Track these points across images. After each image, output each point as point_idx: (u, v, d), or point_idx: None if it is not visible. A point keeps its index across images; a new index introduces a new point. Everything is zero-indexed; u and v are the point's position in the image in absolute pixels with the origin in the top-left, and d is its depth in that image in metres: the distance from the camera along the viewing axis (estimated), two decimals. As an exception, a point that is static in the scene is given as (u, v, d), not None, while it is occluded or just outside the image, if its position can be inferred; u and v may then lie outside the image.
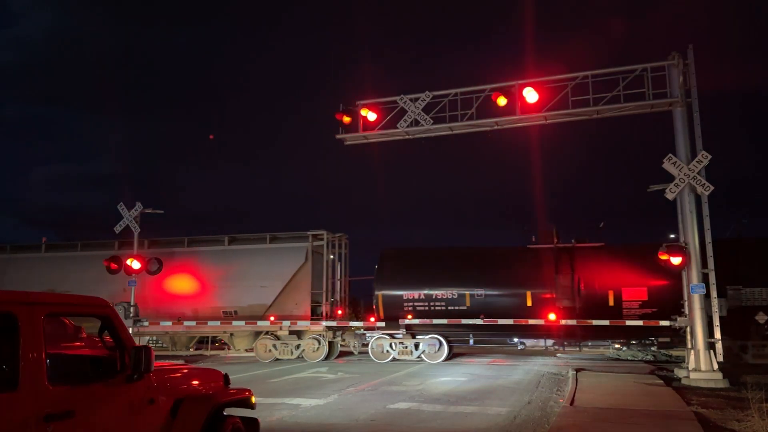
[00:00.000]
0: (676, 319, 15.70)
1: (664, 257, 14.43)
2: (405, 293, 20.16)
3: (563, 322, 18.63)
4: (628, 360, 20.58)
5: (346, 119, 17.20)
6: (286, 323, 20.45)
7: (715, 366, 13.70)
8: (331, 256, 21.65)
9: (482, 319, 19.21)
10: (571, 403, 10.42)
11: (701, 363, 13.77)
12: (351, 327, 21.16)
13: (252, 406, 6.12)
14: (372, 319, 20.19)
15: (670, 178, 14.33)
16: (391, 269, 20.92)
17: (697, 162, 14.06)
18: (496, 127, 16.60)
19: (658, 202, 14.87)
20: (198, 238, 23.04)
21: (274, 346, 20.97)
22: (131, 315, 20.34)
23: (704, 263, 14.21)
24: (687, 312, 14.51)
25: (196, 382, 5.65)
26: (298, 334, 20.89)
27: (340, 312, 21.20)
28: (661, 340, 19.31)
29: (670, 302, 16.94)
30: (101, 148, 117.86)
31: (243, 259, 21.49)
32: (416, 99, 16.61)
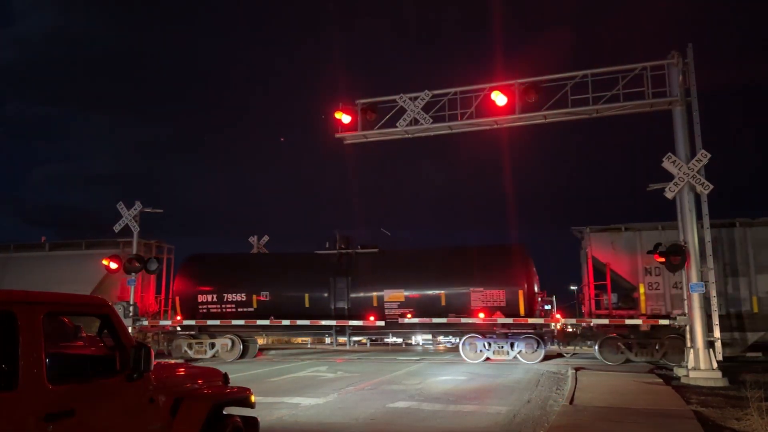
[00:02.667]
0: (675, 318, 15.74)
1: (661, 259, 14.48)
2: (200, 296, 21.57)
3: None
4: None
5: (346, 118, 17.19)
6: None
7: (715, 365, 13.71)
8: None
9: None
10: (571, 402, 10.43)
11: (700, 362, 13.78)
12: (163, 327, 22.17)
13: (252, 405, 6.11)
14: (371, 318, 20.23)
15: (669, 177, 14.35)
16: (189, 274, 22.39)
17: (696, 161, 14.07)
18: (495, 126, 16.61)
19: (657, 201, 14.92)
20: (23, 244, 23.98)
21: None
22: (131, 314, 20.40)
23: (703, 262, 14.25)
24: (686, 310, 14.53)
25: (195, 381, 5.64)
26: None
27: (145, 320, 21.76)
28: (447, 334, 21.78)
29: (426, 305, 19.83)
30: (101, 147, 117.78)
31: (60, 265, 22.24)
32: (416, 98, 16.60)
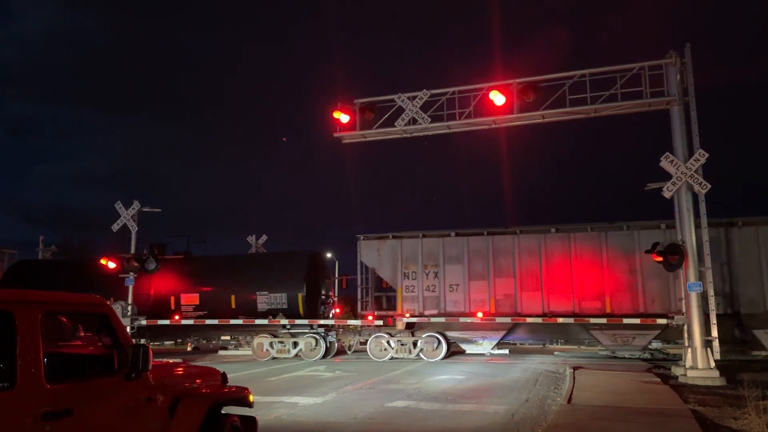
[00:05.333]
0: (673, 318, 15.75)
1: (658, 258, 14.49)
2: None
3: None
4: (625, 358, 20.66)
5: (344, 118, 17.18)
6: None
7: (712, 364, 13.71)
8: None
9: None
10: (569, 401, 10.44)
11: (698, 361, 13.78)
12: None
13: (250, 405, 6.12)
14: (370, 318, 20.28)
15: (667, 176, 14.36)
16: (11, 280, 23.11)
17: (694, 160, 14.08)
18: (494, 126, 16.61)
19: (655, 201, 14.94)
20: None
21: None
22: (129, 314, 20.40)
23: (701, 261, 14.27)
24: (684, 310, 14.54)
25: (194, 381, 5.65)
26: None
27: None
28: (224, 337, 23.32)
29: (217, 305, 21.21)
30: (101, 147, 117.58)
31: None
32: (414, 97, 16.58)
